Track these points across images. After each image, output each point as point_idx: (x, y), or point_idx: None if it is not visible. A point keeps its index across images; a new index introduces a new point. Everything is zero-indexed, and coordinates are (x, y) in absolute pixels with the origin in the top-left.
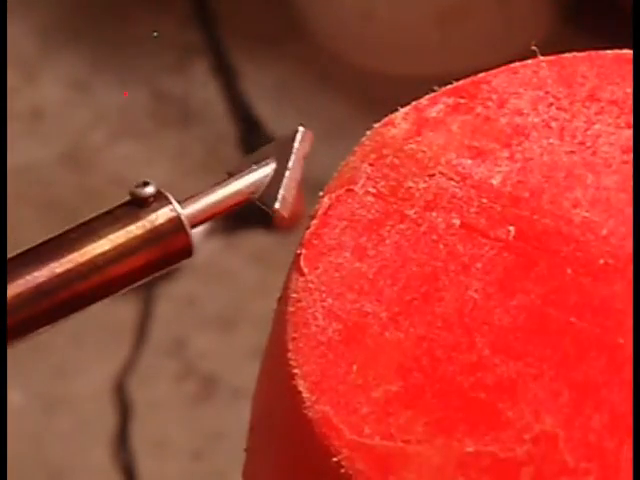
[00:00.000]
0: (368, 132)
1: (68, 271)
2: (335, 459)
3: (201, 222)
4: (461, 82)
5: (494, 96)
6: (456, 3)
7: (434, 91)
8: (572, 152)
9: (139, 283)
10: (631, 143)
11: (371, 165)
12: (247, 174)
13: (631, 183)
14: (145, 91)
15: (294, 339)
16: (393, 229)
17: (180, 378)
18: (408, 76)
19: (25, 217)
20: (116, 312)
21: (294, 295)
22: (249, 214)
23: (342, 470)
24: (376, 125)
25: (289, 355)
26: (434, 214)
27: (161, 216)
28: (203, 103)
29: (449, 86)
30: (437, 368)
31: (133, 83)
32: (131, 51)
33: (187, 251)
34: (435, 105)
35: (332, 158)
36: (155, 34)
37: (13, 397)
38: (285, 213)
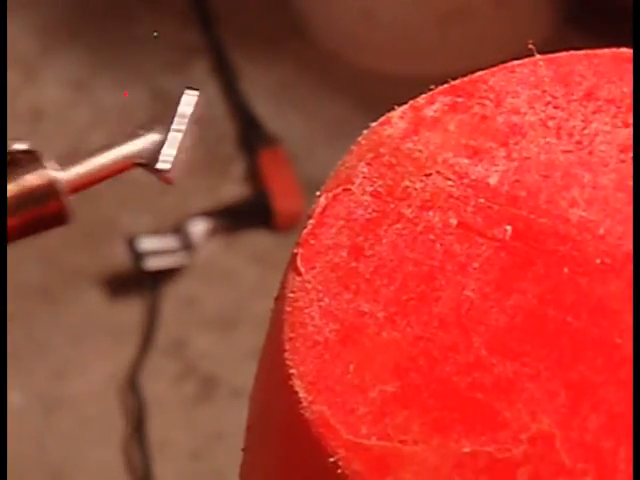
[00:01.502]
0: (365, 131)
1: None
2: (332, 459)
3: (81, 188)
4: (458, 81)
5: (491, 95)
6: (456, 3)
7: (431, 90)
8: (569, 151)
9: (12, 242)
10: (628, 142)
11: (368, 164)
12: (130, 139)
13: (628, 182)
14: (145, 91)
15: (291, 339)
16: (390, 228)
17: (180, 378)
18: (408, 76)
19: None
20: (117, 313)
21: (291, 295)
22: (249, 214)
23: (339, 470)
24: (373, 124)
25: (286, 355)
26: (431, 213)
27: (35, 178)
28: (203, 103)
29: (446, 85)
30: (434, 368)
31: (133, 83)
32: (131, 51)
33: (61, 217)
34: (432, 104)
35: (331, 158)
36: (155, 34)
37: (13, 397)
38: (170, 174)
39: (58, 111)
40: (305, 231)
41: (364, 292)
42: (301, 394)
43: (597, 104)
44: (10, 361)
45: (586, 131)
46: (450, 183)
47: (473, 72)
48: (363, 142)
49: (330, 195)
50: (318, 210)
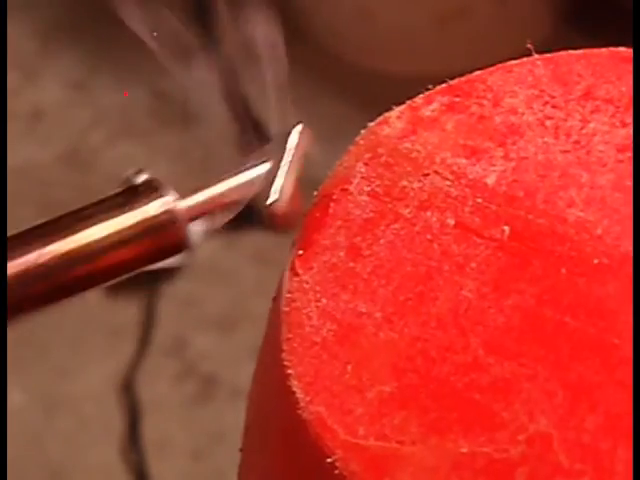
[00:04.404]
0: (363, 131)
1: (56, 257)
2: (329, 460)
3: (196, 217)
4: (456, 81)
5: (489, 95)
6: (455, 3)
7: (429, 90)
8: (567, 151)
9: (131, 274)
10: (626, 142)
11: (365, 164)
12: (244, 171)
13: (626, 182)
14: (145, 91)
15: (288, 339)
16: (387, 229)
17: (180, 378)
18: (408, 76)
19: (25, 217)
20: (116, 312)
21: (288, 295)
22: (249, 214)
23: (336, 471)
24: (371, 124)
25: (283, 355)
26: (428, 213)
27: (155, 207)
28: (203, 103)
29: (444, 85)
30: (431, 368)
31: (133, 83)
32: (131, 51)
33: (181, 245)
34: (430, 104)
35: (331, 158)
36: (155, 34)
37: (13, 397)
38: (280, 210)
39: (58, 111)
40: (302, 231)
41: (362, 292)
42: (298, 394)
43: (595, 104)
44: (10, 361)
45: (584, 131)
46: (448, 183)
47: (472, 72)
48: (361, 142)
49: (328, 195)
50: (315, 210)
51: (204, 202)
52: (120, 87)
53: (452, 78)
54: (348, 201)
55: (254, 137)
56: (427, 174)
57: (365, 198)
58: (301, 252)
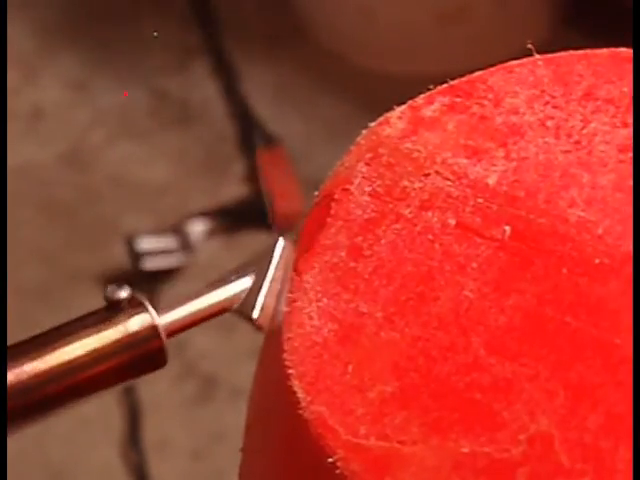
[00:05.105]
0: (364, 131)
1: (39, 374)
2: (330, 460)
3: (177, 332)
4: (457, 81)
5: (490, 95)
6: (455, 3)
7: (430, 90)
8: (568, 151)
9: (111, 387)
10: (627, 142)
11: (367, 164)
12: (226, 284)
13: (627, 182)
14: (145, 91)
15: (289, 339)
16: (389, 229)
17: (180, 378)
18: (408, 76)
19: (25, 217)
20: None
21: (289, 295)
22: (249, 214)
23: (337, 471)
24: (372, 124)
25: (284, 355)
26: (430, 214)
27: (136, 323)
28: (203, 103)
29: (445, 85)
30: (432, 368)
31: (133, 83)
32: (131, 51)
33: (161, 359)
34: (431, 104)
35: (331, 158)
36: (155, 34)
37: None
38: (264, 322)
39: (58, 111)
40: (303, 231)
41: (363, 292)
42: (300, 394)
43: (596, 104)
44: None
45: (585, 131)
46: (449, 183)
47: (473, 72)
48: (362, 142)
49: (329, 195)
50: (317, 210)
51: (185, 317)
52: (120, 87)
53: (453, 78)
54: (349, 201)
55: (254, 137)
56: (428, 174)
57: (366, 198)
58: (302, 252)
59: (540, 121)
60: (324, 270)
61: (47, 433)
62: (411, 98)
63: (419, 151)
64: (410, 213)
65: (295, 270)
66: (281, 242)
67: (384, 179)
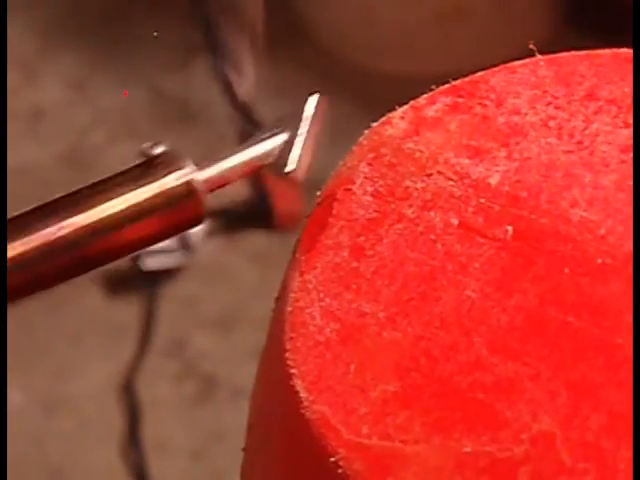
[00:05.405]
0: (366, 131)
1: (77, 230)
2: (332, 459)
3: (214, 188)
4: (459, 81)
5: (492, 95)
6: (456, 3)
7: (432, 90)
8: (570, 151)
9: (150, 245)
10: (629, 142)
11: (369, 164)
12: (260, 141)
13: (629, 182)
14: (145, 91)
15: (292, 339)
16: (391, 229)
17: (180, 378)
18: (408, 76)
19: None
20: (116, 312)
21: (292, 295)
22: (249, 214)
23: (339, 470)
24: (374, 124)
25: (287, 355)
26: (432, 213)
27: (173, 179)
28: (203, 103)
29: (447, 85)
30: (435, 368)
31: (133, 83)
32: (131, 51)
33: (199, 216)
34: (433, 104)
35: (332, 158)
36: (155, 34)
37: (13, 397)
38: (298, 175)
39: (58, 111)
40: (306, 231)
41: (365, 292)
42: (302, 394)
43: (598, 104)
44: (10, 361)
45: (587, 131)
46: (451, 183)
47: (474, 72)
48: (364, 142)
49: (331, 195)
50: (319, 210)
51: (222, 173)
52: (120, 87)
53: (454, 78)
54: (351, 201)
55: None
56: (430, 174)
57: (368, 198)
58: (305, 252)
59: (542, 121)
60: (326, 270)
61: (47, 433)
62: (411, 98)
63: (421, 151)
64: (412, 213)
65: (297, 270)
66: (315, 97)
67: (386, 179)
